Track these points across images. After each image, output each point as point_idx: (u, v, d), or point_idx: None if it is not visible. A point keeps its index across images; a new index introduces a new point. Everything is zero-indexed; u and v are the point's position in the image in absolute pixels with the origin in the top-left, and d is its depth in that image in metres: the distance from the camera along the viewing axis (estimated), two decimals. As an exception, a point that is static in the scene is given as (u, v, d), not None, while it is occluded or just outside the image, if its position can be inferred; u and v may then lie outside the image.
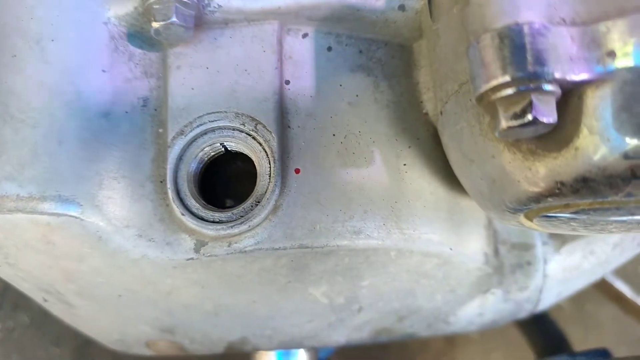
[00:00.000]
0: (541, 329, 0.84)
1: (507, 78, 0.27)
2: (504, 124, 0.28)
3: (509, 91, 0.27)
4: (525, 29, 0.27)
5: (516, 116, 0.27)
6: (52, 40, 0.39)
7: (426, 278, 0.46)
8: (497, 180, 0.35)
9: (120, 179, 0.40)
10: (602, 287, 0.95)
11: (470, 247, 0.47)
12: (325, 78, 0.42)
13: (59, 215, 0.38)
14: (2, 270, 0.46)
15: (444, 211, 0.44)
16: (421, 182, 0.43)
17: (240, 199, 0.40)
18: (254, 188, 0.40)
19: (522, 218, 0.38)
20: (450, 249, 0.44)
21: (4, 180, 0.38)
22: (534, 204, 0.33)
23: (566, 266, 0.56)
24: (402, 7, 0.41)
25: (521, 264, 0.54)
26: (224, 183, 0.46)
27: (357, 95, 0.43)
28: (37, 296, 0.49)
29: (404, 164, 0.43)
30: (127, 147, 0.40)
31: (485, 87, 0.28)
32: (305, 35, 0.43)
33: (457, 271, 0.47)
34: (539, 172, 0.31)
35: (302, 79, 0.42)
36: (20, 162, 0.38)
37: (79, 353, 1.24)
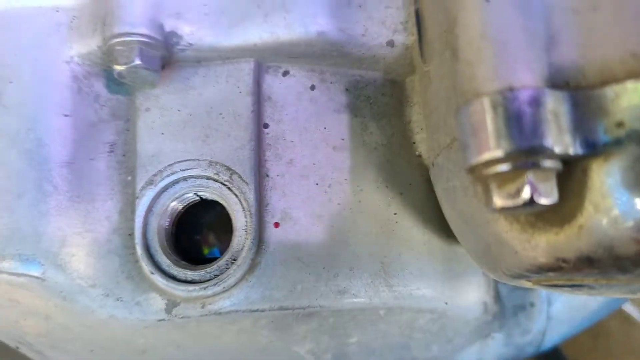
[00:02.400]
0: None
1: (499, 153, 0.23)
2: (497, 202, 0.24)
3: (504, 167, 0.23)
4: (522, 96, 0.23)
5: (511, 196, 0.24)
6: (10, 82, 0.36)
7: (420, 332, 0.43)
8: (493, 246, 0.31)
9: (85, 234, 0.37)
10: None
11: (468, 298, 0.43)
12: (308, 120, 0.38)
13: (19, 275, 0.35)
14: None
15: (439, 262, 0.41)
16: (414, 231, 0.40)
17: (221, 243, 0.37)
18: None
19: (521, 282, 0.34)
20: (446, 303, 0.41)
21: (-41, 238, 0.35)
22: (533, 276, 0.30)
23: (572, 306, 0.53)
24: (390, 43, 0.38)
25: (524, 305, 0.50)
26: (204, 226, 0.43)
27: (342, 139, 0.39)
28: (10, 343, 0.47)
29: (395, 213, 0.39)
30: (91, 199, 0.37)
31: (476, 159, 0.24)
32: (286, 73, 0.39)
33: (454, 323, 0.44)
34: (538, 245, 0.27)
35: (282, 122, 0.38)
36: (-24, 218, 0.35)
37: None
